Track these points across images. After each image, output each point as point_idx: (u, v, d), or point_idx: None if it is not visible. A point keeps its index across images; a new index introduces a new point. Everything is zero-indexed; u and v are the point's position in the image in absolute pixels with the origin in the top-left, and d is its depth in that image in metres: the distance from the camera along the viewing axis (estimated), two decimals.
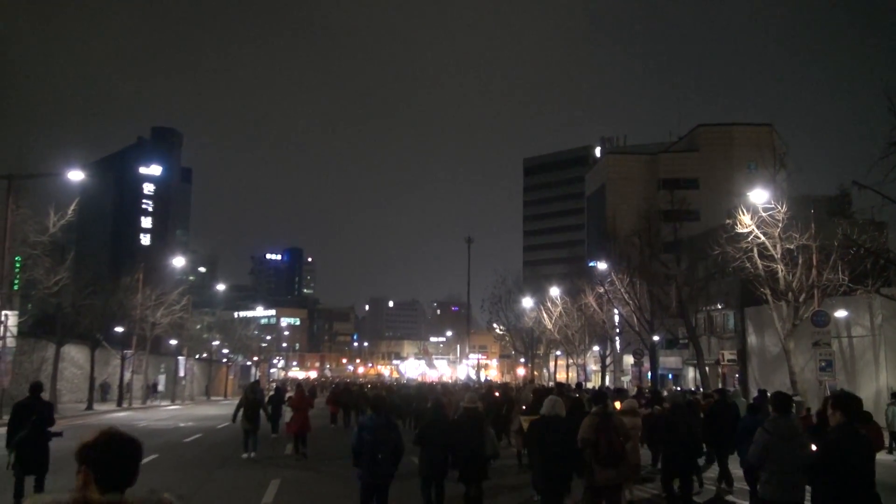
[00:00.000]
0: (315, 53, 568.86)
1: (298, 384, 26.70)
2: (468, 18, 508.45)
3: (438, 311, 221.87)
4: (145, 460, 16.82)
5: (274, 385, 51.29)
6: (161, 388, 59.39)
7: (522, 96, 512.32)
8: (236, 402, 19.88)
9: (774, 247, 27.30)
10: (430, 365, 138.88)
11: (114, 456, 2.69)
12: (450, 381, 74.67)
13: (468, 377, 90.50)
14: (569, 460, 8.57)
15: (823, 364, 25.08)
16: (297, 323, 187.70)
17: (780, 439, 6.99)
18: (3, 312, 28.65)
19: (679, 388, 36.99)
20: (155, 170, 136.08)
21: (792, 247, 27.06)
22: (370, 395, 25.14)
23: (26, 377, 39.99)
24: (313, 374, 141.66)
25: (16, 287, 32.98)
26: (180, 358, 60.40)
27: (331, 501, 11.78)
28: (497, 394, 20.57)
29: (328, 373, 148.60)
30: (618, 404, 12.73)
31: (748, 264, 28.56)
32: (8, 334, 28.75)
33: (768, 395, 13.00)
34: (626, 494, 10.18)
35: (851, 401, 6.50)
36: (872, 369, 30.81)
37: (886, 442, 20.43)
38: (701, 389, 33.00)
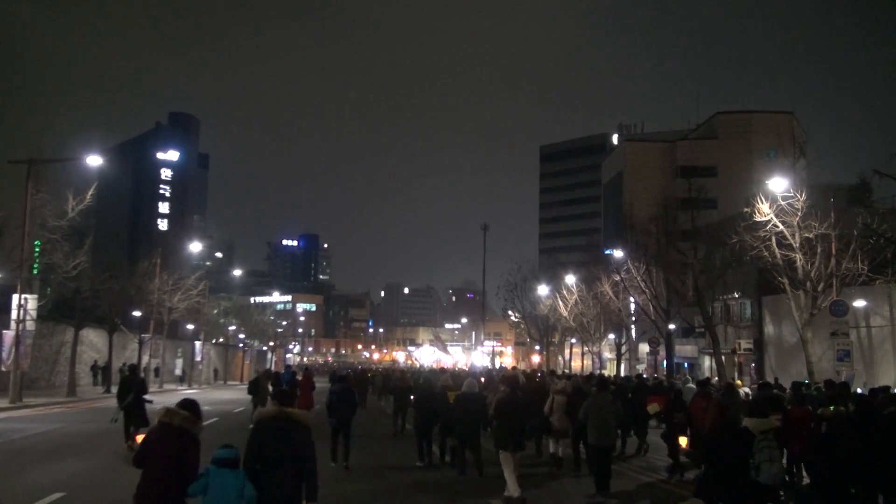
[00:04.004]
0: (332, 40, 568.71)
1: (306, 368, 30.00)
2: (486, 5, 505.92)
3: (454, 298, 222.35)
4: None
5: (285, 368, 52.01)
6: (178, 371, 59.90)
7: (540, 83, 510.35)
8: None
9: (793, 235, 27.06)
10: (444, 352, 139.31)
11: (286, 395, 6.88)
12: (450, 367, 75.93)
13: (472, 365, 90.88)
14: (479, 420, 12.79)
15: (841, 354, 24.91)
16: (313, 309, 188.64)
17: (599, 407, 11.83)
18: (23, 296, 28.93)
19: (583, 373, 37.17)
20: (172, 155, 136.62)
21: (811, 236, 26.80)
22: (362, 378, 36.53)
23: (45, 360, 40.61)
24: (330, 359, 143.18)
25: (35, 271, 33.27)
26: (197, 342, 60.87)
27: (337, 483, 12.03)
28: (483, 379, 24.94)
29: (330, 358, 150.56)
30: None
31: (766, 253, 28.33)
32: (27, 318, 29.04)
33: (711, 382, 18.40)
34: (552, 448, 14.85)
35: (512, 379, 14.04)
36: (891, 359, 30.59)
37: None
38: (717, 378, 32.94)
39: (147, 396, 16.42)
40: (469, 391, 13.22)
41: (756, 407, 8.88)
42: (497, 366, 77.52)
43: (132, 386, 16.31)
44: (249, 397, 23.89)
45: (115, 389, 39.77)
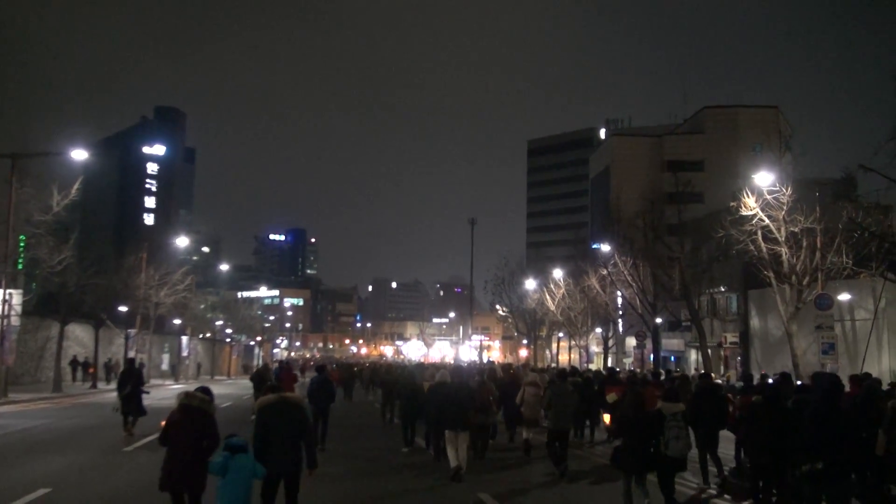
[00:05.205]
0: (320, 35, 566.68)
1: (287, 362, 31.20)
2: (473, 1, 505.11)
3: (441, 293, 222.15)
4: (150, 438, 17.04)
5: (277, 364, 52.30)
6: (164, 366, 59.63)
7: (527, 77, 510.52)
8: (239, 381, 24.79)
9: (779, 230, 27.19)
10: (429, 346, 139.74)
11: (276, 386, 8.42)
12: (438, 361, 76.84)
13: (457, 359, 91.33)
14: (467, 409, 12.97)
15: (826, 347, 25.08)
16: (300, 303, 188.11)
17: (558, 396, 13.19)
18: (8, 291, 28.72)
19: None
20: (158, 149, 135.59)
21: (796, 230, 26.94)
22: (349, 372, 38.19)
23: (31, 356, 40.31)
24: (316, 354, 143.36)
25: (20, 266, 33.01)
26: (184, 337, 60.64)
27: (325, 465, 12.15)
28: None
29: (317, 353, 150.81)
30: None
31: (752, 247, 28.46)
32: (12, 313, 28.84)
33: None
34: (525, 434, 15.57)
35: (457, 369, 16.78)
36: (875, 352, 30.81)
37: None
38: (702, 371, 33.10)
39: (145, 388, 18.03)
40: (442, 381, 13.97)
41: (669, 394, 10.68)
42: (485, 360, 77.78)
43: (130, 377, 17.68)
44: (234, 393, 24.67)
45: (101, 385, 40.07)
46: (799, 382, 18.78)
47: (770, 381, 19.15)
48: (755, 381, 17.03)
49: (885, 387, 14.46)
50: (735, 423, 12.28)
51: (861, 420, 10.41)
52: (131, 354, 39.44)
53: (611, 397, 16.95)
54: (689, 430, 10.95)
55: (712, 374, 28.95)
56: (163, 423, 7.52)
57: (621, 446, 10.09)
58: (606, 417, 16.24)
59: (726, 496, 11.70)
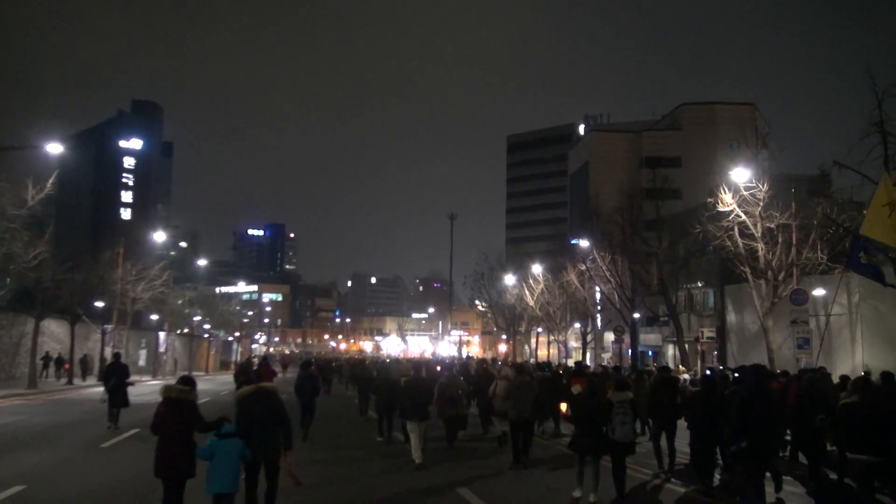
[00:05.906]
0: (298, 31, 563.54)
1: (265, 357, 32.06)
2: None
3: (421, 288, 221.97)
4: (128, 433, 16.81)
5: (256, 360, 52.15)
6: (141, 362, 59.17)
7: (507, 73, 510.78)
8: (218, 377, 25.56)
9: (755, 225, 27.45)
10: (405, 341, 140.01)
11: (255, 378, 10.18)
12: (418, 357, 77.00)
13: (435, 354, 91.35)
14: (426, 401, 14.02)
15: (801, 342, 25.35)
16: (279, 299, 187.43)
17: (518, 389, 13.80)
18: None
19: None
20: (135, 143, 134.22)
21: (772, 225, 27.22)
22: (326, 366, 38.71)
23: (5, 351, 39.86)
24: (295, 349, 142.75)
25: None
26: (161, 333, 60.17)
27: (306, 452, 12.11)
28: (438, 368, 27.11)
29: (296, 349, 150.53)
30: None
31: (729, 243, 28.71)
32: None
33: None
34: (498, 427, 16.35)
35: (419, 363, 23.09)
36: (849, 347, 31.20)
37: None
38: (682, 366, 33.42)
39: (130, 380, 19.01)
40: (417, 376, 14.86)
41: (618, 383, 11.55)
42: (464, 355, 77.93)
43: (116, 370, 18.64)
44: (212, 388, 24.84)
45: (77, 381, 39.72)
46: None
47: (708, 373, 20.12)
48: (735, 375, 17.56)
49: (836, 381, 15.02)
50: (685, 412, 12.97)
51: (806, 410, 11.65)
52: (109, 350, 39.17)
53: (576, 389, 17.61)
54: (639, 418, 12.02)
55: (680, 368, 29.43)
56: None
57: (576, 432, 11.01)
58: (563, 406, 17.63)
59: (675, 481, 12.41)
